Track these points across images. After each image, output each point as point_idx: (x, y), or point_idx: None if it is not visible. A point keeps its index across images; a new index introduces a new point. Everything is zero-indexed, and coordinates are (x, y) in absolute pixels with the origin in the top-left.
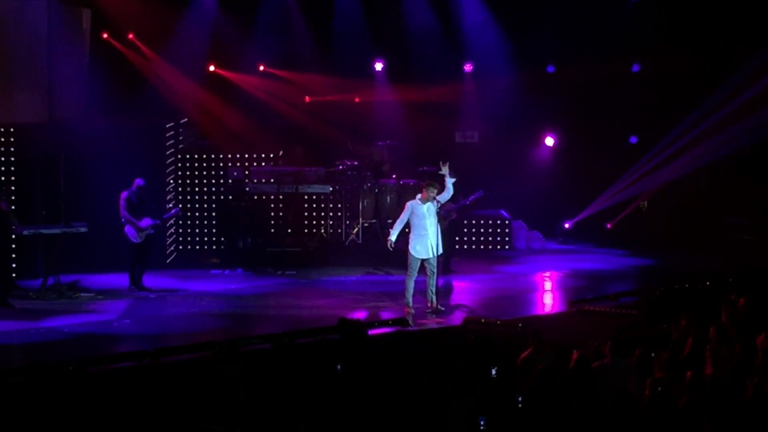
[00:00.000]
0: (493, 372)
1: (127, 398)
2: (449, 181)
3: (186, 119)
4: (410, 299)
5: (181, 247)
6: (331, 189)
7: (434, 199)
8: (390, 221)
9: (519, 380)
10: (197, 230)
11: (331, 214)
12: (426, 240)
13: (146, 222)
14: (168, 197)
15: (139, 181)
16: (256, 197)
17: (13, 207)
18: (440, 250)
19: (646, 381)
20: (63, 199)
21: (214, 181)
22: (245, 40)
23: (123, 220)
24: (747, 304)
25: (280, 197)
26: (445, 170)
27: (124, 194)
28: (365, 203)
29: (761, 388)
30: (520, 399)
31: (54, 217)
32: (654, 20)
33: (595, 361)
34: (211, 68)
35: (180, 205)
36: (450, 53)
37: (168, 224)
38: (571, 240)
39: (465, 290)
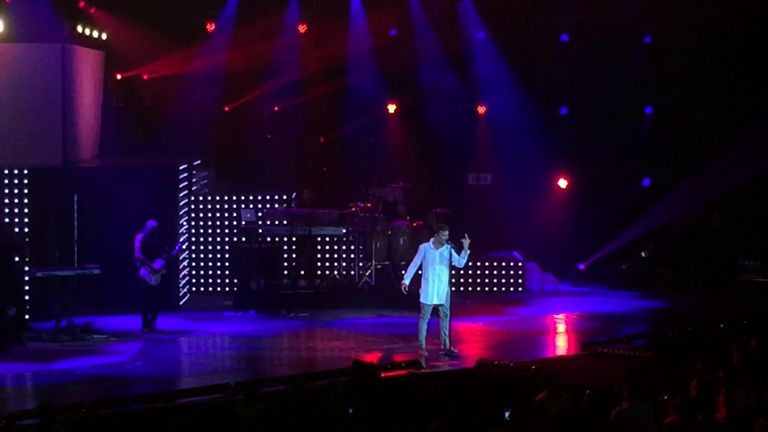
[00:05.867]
0: (506, 415)
1: None
2: (465, 253)
3: (199, 161)
4: (423, 341)
5: (194, 289)
6: (344, 231)
7: (447, 242)
8: (403, 263)
9: (533, 422)
10: (210, 272)
11: (344, 255)
12: (432, 286)
13: (158, 263)
14: (181, 239)
15: (152, 223)
16: (269, 239)
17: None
18: (443, 300)
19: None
20: (76, 241)
21: (227, 222)
22: (259, 81)
23: (138, 263)
24: (758, 346)
25: (293, 239)
26: (465, 243)
27: (139, 236)
28: (378, 245)
29: None
30: None
31: (67, 259)
32: (667, 62)
33: (608, 404)
34: (226, 109)
35: (185, 243)
36: (463, 95)
37: (181, 266)
38: (584, 282)
39: (478, 332)
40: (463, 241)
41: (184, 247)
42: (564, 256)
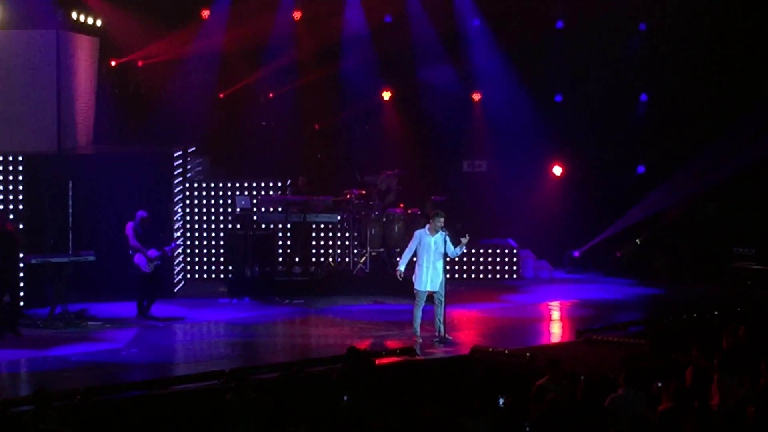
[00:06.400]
0: (501, 402)
1: (134, 427)
2: (461, 247)
3: (194, 148)
4: (418, 328)
5: (189, 276)
6: (338, 218)
7: (442, 229)
8: (398, 250)
9: (532, 407)
10: (205, 259)
11: (339, 242)
12: (426, 273)
13: (153, 252)
14: (176, 226)
15: (141, 213)
16: (263, 226)
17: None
18: (436, 288)
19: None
20: (71, 228)
21: (221, 209)
22: (253, 68)
23: (131, 251)
24: (748, 333)
25: (288, 226)
26: (464, 241)
27: (130, 224)
28: (373, 232)
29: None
30: (528, 429)
31: (62, 246)
32: (662, 49)
33: (604, 391)
34: (220, 96)
35: (181, 240)
36: (458, 82)
37: (175, 253)
38: (579, 269)
39: (472, 319)
40: (463, 239)
41: (179, 243)
42: (559, 244)
